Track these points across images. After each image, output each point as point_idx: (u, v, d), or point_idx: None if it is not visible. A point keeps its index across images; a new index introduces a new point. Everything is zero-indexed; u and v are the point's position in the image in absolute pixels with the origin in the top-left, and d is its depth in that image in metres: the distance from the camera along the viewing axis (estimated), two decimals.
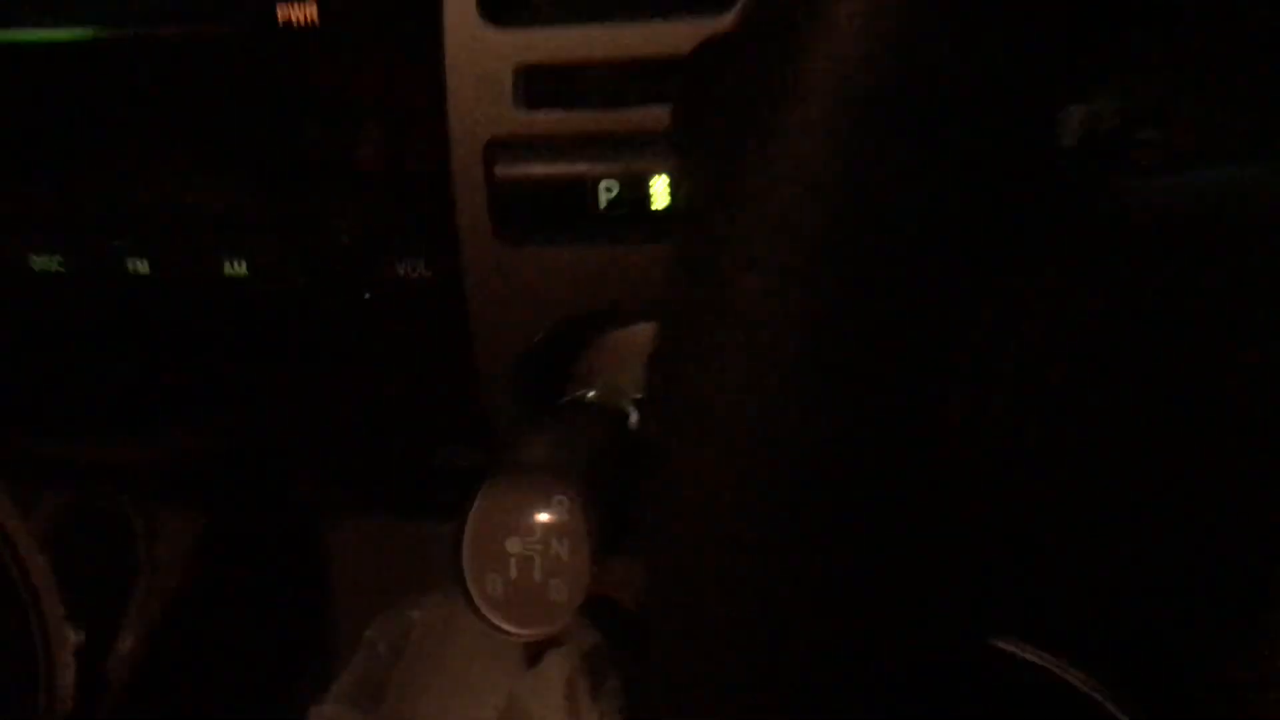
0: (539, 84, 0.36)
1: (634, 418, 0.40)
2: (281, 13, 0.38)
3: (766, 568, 0.23)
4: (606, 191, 0.36)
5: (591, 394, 0.40)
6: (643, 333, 0.40)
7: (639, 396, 0.40)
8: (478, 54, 0.36)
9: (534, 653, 0.78)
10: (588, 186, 0.36)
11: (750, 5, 0.24)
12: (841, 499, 0.23)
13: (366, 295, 0.41)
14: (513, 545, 0.35)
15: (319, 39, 0.37)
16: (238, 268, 0.41)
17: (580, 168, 0.36)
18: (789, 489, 0.23)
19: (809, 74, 0.21)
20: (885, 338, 0.22)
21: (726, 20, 0.34)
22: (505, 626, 0.36)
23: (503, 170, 0.37)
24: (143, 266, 0.42)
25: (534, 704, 0.75)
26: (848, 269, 0.22)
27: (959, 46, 0.21)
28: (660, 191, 0.36)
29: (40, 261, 0.43)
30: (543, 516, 0.35)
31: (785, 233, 0.21)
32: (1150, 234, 0.25)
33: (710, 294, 0.22)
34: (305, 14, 0.38)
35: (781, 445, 0.23)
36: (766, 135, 0.22)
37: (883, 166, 0.21)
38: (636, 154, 0.35)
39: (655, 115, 0.35)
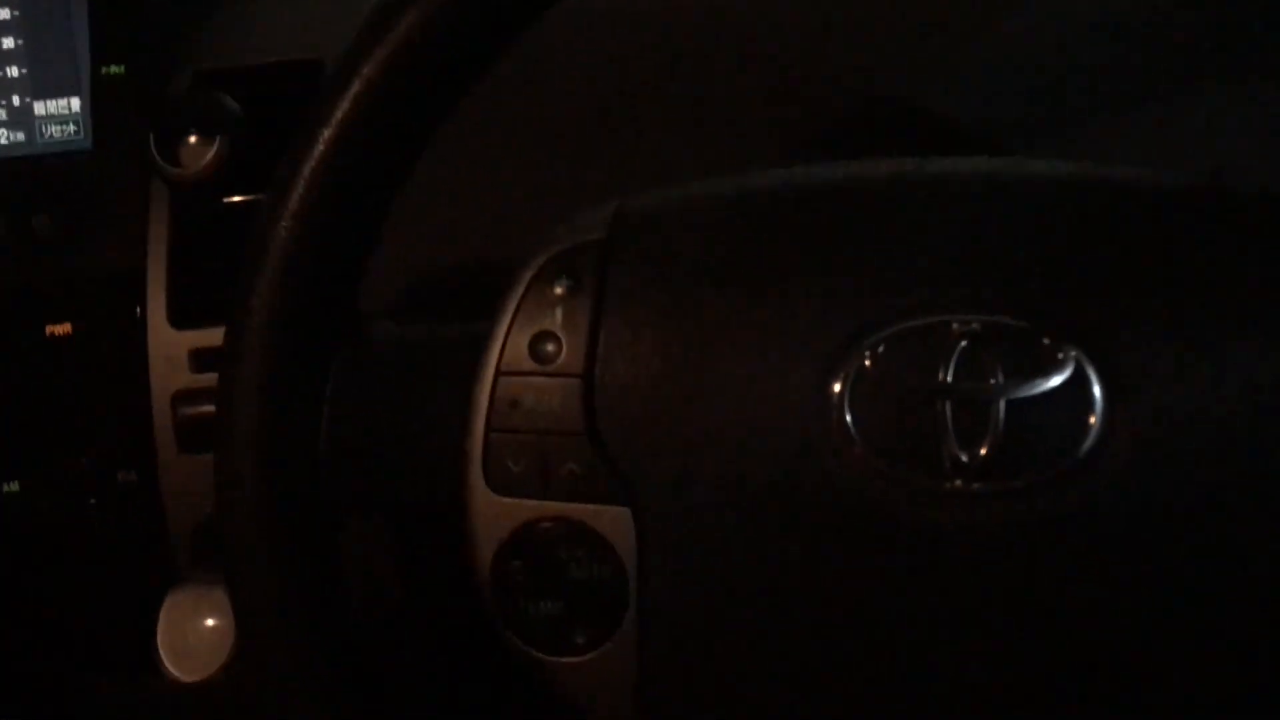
0: (201, 360, 0.64)
1: None
2: (48, 329, 0.66)
3: None
4: None
5: None
6: None
7: None
8: (167, 343, 0.64)
9: None
10: None
11: None
12: None
13: (92, 500, 0.66)
14: (187, 619, 0.59)
15: (76, 342, 0.65)
16: (13, 487, 0.65)
17: None
18: None
19: None
20: None
21: None
22: (184, 674, 0.59)
23: (183, 410, 0.64)
24: None
25: None
26: None
27: None
28: None
29: None
30: (206, 599, 0.60)
31: None
32: None
33: None
34: (62, 329, 0.66)
35: None
36: None
37: None
38: None
39: None
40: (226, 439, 0.43)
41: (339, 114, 0.42)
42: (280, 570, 0.43)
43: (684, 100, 0.62)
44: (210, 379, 0.63)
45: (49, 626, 0.69)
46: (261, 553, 0.43)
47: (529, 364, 0.42)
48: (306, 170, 0.43)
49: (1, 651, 0.71)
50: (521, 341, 0.42)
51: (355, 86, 0.42)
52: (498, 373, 0.42)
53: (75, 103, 0.71)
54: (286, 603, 0.43)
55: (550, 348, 0.42)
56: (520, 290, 0.42)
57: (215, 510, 0.43)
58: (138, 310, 0.65)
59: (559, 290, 0.42)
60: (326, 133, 0.42)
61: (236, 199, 0.65)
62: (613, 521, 0.41)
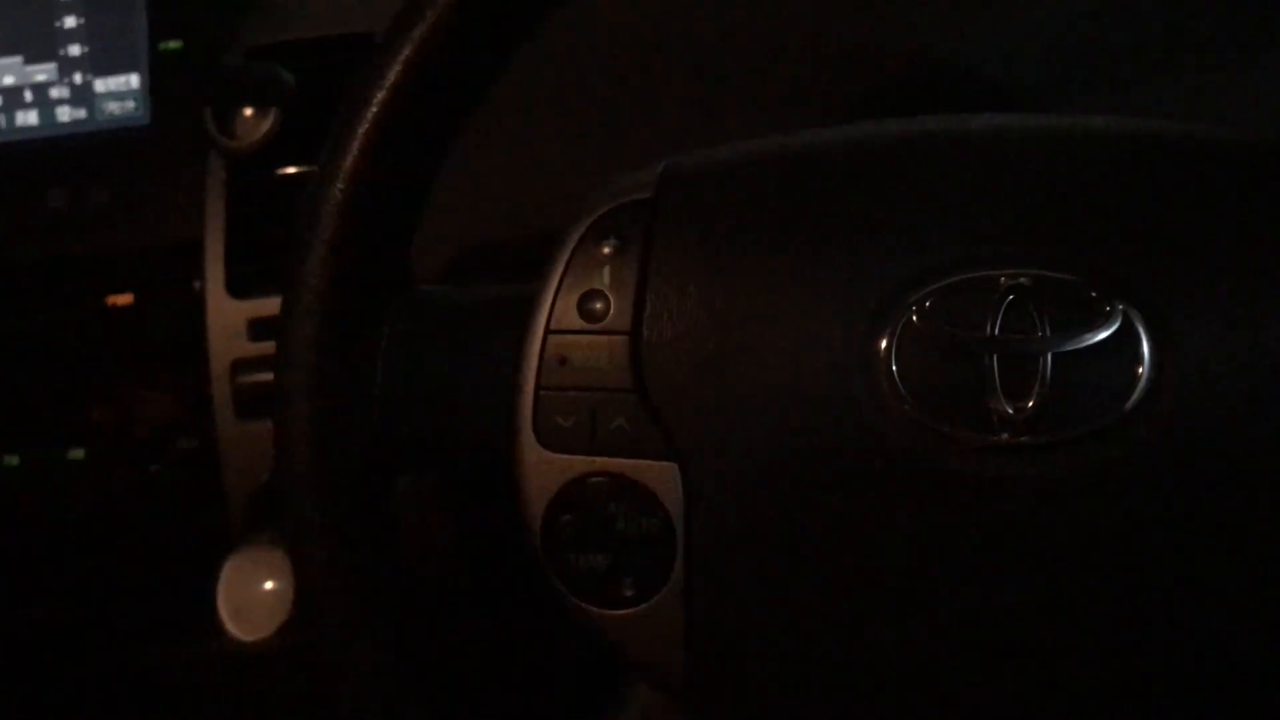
0: (259, 329, 0.65)
1: None
2: (109, 300, 0.67)
3: None
4: None
5: None
6: None
7: None
8: (225, 313, 0.65)
9: None
10: None
11: None
12: None
13: (153, 467, 0.67)
14: (246, 581, 0.61)
15: (137, 312, 0.66)
16: (78, 454, 0.67)
17: None
18: None
19: None
20: None
21: None
22: (243, 633, 0.61)
23: (241, 379, 0.65)
24: (12, 459, 0.68)
25: None
26: None
27: None
28: None
29: None
30: (264, 561, 0.61)
31: None
32: None
33: None
34: (123, 300, 0.67)
35: None
36: None
37: None
38: None
39: None
40: (284, 400, 0.44)
41: (390, 77, 0.43)
42: (336, 527, 0.44)
43: (728, 64, 0.62)
44: (268, 347, 0.65)
45: (110, 590, 0.71)
46: (318, 510, 0.44)
47: (577, 322, 0.42)
48: (358, 133, 0.44)
49: (65, 616, 0.73)
50: (570, 300, 0.43)
51: (406, 50, 0.42)
52: (547, 331, 0.43)
53: (134, 79, 0.73)
54: (342, 559, 0.44)
55: (598, 306, 0.42)
56: (568, 250, 0.43)
57: (274, 470, 0.45)
58: (196, 281, 0.67)
59: (606, 249, 0.43)
60: (378, 95, 0.43)
61: (291, 170, 0.66)
62: (660, 476, 0.41)
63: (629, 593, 0.42)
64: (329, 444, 0.44)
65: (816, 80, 0.63)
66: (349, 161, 0.43)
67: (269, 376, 0.64)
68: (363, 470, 0.45)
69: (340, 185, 0.43)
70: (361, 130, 0.44)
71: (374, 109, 0.43)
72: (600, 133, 0.63)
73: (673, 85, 0.63)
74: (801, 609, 0.41)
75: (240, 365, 0.65)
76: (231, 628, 0.61)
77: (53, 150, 0.72)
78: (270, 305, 0.65)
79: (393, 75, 0.43)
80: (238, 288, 0.66)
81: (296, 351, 0.44)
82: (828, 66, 0.63)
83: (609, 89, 0.63)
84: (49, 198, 0.70)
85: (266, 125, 0.63)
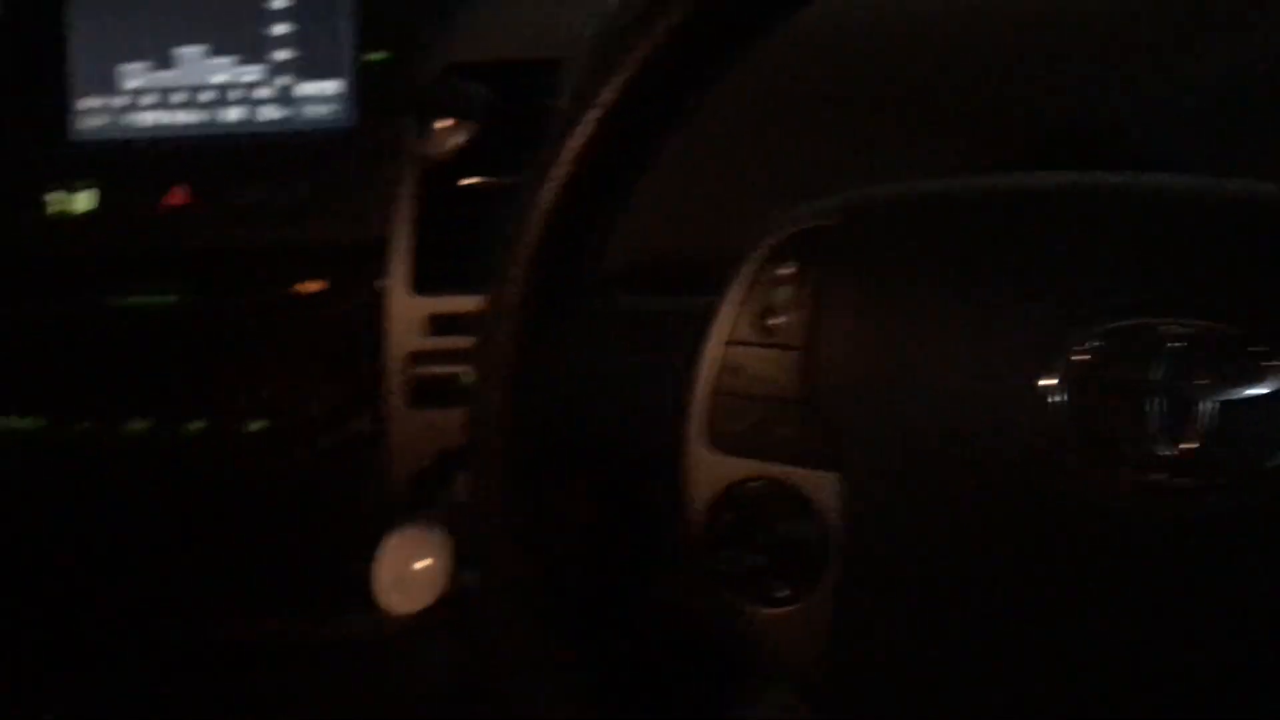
0: (437, 324, 0.70)
1: None
2: (299, 287, 0.73)
3: None
4: (465, 377, 0.69)
5: (456, 497, 0.72)
6: None
7: None
8: (407, 307, 0.70)
9: None
10: (457, 377, 0.69)
11: None
12: None
13: (324, 445, 0.72)
14: (403, 558, 0.65)
15: (322, 300, 0.72)
16: (258, 426, 0.73)
17: (456, 367, 0.69)
18: None
19: None
20: None
21: None
22: (398, 606, 0.65)
23: (416, 369, 0.70)
24: (199, 425, 0.73)
25: None
26: None
27: None
28: None
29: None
30: (420, 542, 0.65)
31: None
32: None
33: None
34: (312, 288, 0.73)
35: None
36: None
37: None
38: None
39: None
40: (481, 388, 0.48)
41: (605, 97, 0.47)
42: (516, 509, 0.48)
43: (904, 109, 0.65)
44: (445, 342, 0.70)
45: (273, 557, 0.76)
46: (502, 491, 0.48)
47: (754, 335, 0.45)
48: (572, 144, 0.47)
49: (227, 577, 0.79)
50: (748, 314, 0.46)
51: (623, 72, 0.46)
52: (725, 341, 0.46)
53: (336, 85, 0.79)
54: (521, 537, 0.47)
55: (775, 321, 0.45)
56: (753, 267, 0.46)
57: (466, 448, 0.48)
58: (380, 276, 0.72)
59: (787, 270, 0.46)
60: (591, 114, 0.47)
61: (478, 180, 0.71)
62: (820, 485, 0.44)
63: (781, 593, 0.45)
64: (518, 431, 0.48)
65: (983, 133, 0.66)
66: (562, 171, 0.47)
67: (442, 369, 0.69)
68: (543, 460, 0.49)
69: (551, 193, 0.47)
70: (573, 148, 0.48)
71: (587, 128, 0.47)
72: (778, 159, 0.66)
73: (855, 120, 0.66)
74: (949, 623, 0.43)
75: (416, 357, 0.70)
76: (388, 600, 0.65)
77: (255, 146, 0.78)
78: (450, 303, 0.70)
79: (607, 95, 0.47)
80: (420, 285, 0.71)
81: (496, 345, 0.48)
82: (993, 119, 0.65)
83: (789, 121, 0.67)
84: (249, 190, 0.76)
85: (461, 137, 0.68)
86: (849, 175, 0.49)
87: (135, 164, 0.78)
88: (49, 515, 0.77)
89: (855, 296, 0.44)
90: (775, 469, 0.45)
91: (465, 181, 0.71)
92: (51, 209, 0.77)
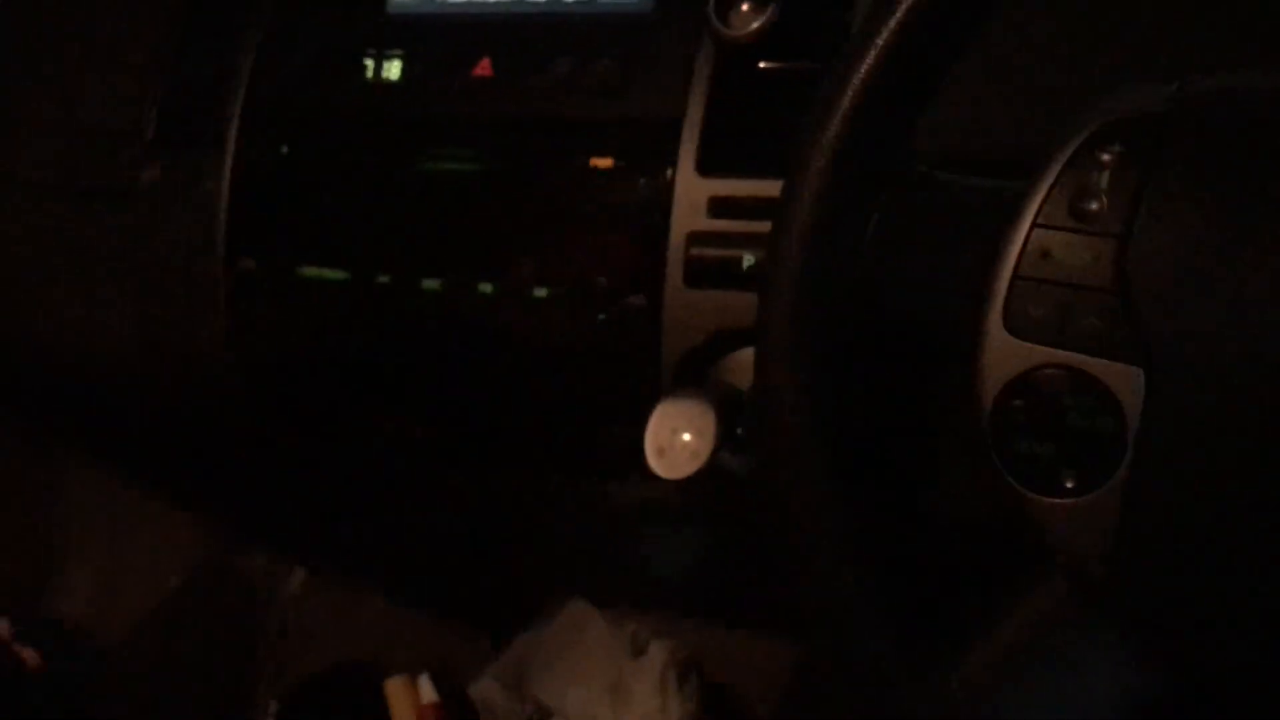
0: (718, 206, 0.71)
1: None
2: (592, 161, 0.75)
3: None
4: (748, 261, 0.70)
5: (722, 378, 0.73)
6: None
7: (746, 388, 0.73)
8: (691, 190, 0.71)
9: (639, 647, 1.07)
10: (739, 259, 0.70)
11: None
12: None
13: (601, 316, 0.75)
14: (670, 428, 0.67)
15: (614, 177, 0.74)
16: (542, 293, 0.76)
17: (735, 250, 0.70)
18: None
19: None
20: None
21: None
22: (662, 471, 0.67)
23: (695, 250, 0.72)
24: (486, 288, 0.77)
25: (634, 683, 1.04)
26: None
27: None
28: None
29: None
30: (687, 415, 0.67)
31: None
32: None
33: None
34: (604, 163, 0.75)
35: None
36: None
37: None
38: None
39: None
40: (773, 270, 0.49)
41: None
42: (806, 385, 0.49)
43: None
44: (725, 224, 0.71)
45: (554, 417, 0.80)
46: (789, 378, 0.49)
47: (1067, 220, 0.44)
48: (879, 36, 0.47)
49: (509, 435, 0.83)
50: (1062, 198, 0.45)
51: None
52: (1034, 224, 0.45)
53: None
54: (808, 429, 0.48)
55: (1090, 207, 0.44)
56: (1070, 150, 0.45)
57: (758, 318, 0.49)
58: (669, 156, 0.73)
59: (1108, 155, 0.44)
60: (903, 4, 0.46)
61: (776, 64, 0.71)
62: (1122, 378, 0.43)
63: (1069, 484, 0.44)
64: (808, 323, 0.48)
65: None
66: (867, 62, 0.47)
67: (720, 251, 0.70)
68: (832, 351, 0.49)
69: (855, 84, 0.47)
70: (883, 34, 0.47)
71: (898, 15, 0.47)
72: (1101, 46, 0.64)
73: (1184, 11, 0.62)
74: (1239, 532, 0.42)
75: (696, 237, 0.71)
76: (655, 465, 0.68)
77: (558, 24, 0.80)
78: (735, 186, 0.71)
79: None
80: (707, 167, 0.72)
81: (792, 234, 0.49)
82: None
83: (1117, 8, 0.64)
84: (551, 67, 0.78)
85: (762, 19, 0.68)
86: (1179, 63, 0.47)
87: (444, 37, 0.82)
88: (351, 360, 0.83)
89: (1181, 188, 0.43)
90: (1075, 358, 0.44)
91: (765, 64, 0.71)
92: (368, 76, 0.82)
